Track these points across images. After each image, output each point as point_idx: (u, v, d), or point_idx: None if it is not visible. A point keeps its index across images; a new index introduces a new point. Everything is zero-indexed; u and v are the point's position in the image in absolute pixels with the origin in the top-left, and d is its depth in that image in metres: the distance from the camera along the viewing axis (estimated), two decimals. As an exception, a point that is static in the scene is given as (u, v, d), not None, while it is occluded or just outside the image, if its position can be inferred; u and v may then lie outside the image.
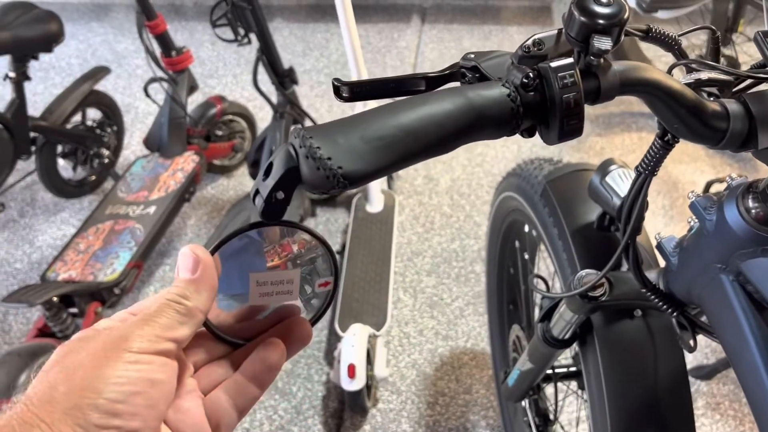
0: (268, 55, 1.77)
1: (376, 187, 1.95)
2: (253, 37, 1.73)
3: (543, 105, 0.40)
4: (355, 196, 1.99)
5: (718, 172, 2.21)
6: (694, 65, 0.51)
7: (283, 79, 1.83)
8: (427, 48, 2.97)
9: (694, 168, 2.23)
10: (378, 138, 0.37)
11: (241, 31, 1.71)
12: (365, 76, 1.69)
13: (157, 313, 0.34)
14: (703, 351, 1.66)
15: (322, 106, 2.59)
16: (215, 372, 0.39)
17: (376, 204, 1.96)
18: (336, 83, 0.44)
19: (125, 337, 0.32)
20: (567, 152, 2.32)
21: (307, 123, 1.95)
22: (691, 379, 1.58)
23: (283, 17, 3.28)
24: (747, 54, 2.11)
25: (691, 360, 1.61)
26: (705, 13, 1.99)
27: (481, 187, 2.19)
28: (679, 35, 0.51)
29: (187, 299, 0.35)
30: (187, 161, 1.95)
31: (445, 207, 2.12)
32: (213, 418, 0.36)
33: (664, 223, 2.03)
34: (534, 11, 3.28)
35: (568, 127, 0.39)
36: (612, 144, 2.36)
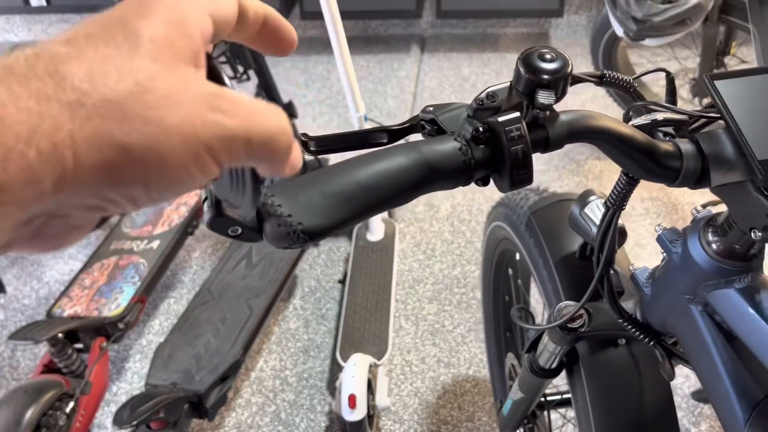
0: (267, 91, 1.81)
1: (377, 215, 1.97)
2: (251, 73, 1.78)
3: (494, 157, 0.42)
4: (356, 225, 2.01)
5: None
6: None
7: (282, 113, 1.88)
8: (427, 77, 3.02)
9: (694, 189, 2.23)
10: (336, 194, 0.39)
11: (240, 68, 1.76)
12: (362, 108, 1.73)
13: None
14: (707, 373, 1.64)
15: (323, 137, 2.63)
16: None
17: (376, 232, 1.98)
18: (303, 138, 0.47)
19: None
20: (566, 176, 2.34)
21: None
22: (694, 402, 1.57)
23: (285, 50, 3.35)
24: (741, 75, 2.13)
25: (693, 383, 1.60)
26: (696, 37, 2.02)
27: (482, 212, 2.21)
28: (634, 78, 0.54)
29: None
30: (190, 195, 1.99)
31: (446, 233, 2.14)
32: None
33: (665, 244, 2.03)
34: (532, 38, 3.33)
35: (518, 177, 0.41)
36: (611, 167, 2.38)
